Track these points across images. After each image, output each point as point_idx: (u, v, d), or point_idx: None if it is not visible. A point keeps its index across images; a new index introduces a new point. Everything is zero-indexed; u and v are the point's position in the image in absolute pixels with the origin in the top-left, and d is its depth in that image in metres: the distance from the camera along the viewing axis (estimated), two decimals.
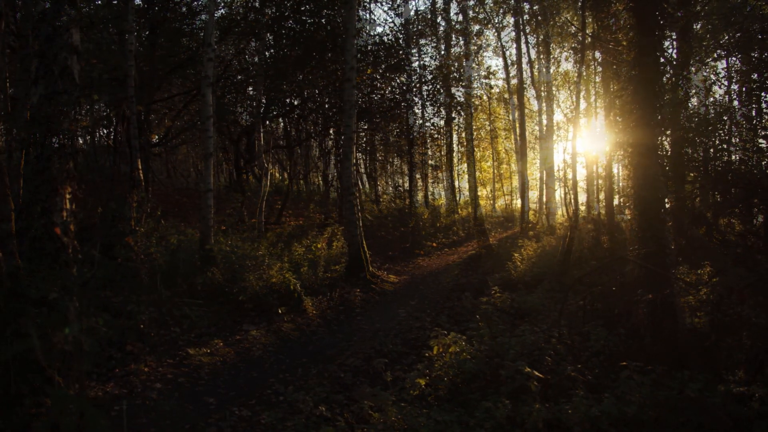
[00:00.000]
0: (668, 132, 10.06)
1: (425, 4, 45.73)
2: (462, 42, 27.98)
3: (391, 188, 33.13)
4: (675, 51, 12.52)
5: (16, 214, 2.93)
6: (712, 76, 18.34)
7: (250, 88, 19.42)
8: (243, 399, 5.78)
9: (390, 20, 36.42)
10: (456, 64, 24.22)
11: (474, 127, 19.56)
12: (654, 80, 7.28)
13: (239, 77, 19.91)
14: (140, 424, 4.99)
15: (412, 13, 24.03)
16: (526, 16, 24.59)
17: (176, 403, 5.54)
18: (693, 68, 15.65)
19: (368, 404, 5.13)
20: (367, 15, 20.60)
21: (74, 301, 2.90)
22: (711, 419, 3.52)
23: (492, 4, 28.01)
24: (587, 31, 13.36)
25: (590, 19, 15.48)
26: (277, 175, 38.14)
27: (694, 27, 14.39)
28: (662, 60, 7.71)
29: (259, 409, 5.50)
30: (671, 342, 5.58)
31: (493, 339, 6.85)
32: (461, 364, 5.96)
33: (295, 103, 19.64)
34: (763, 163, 10.67)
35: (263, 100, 15.71)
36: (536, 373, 3.81)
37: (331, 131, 24.70)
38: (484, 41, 29.41)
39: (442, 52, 25.83)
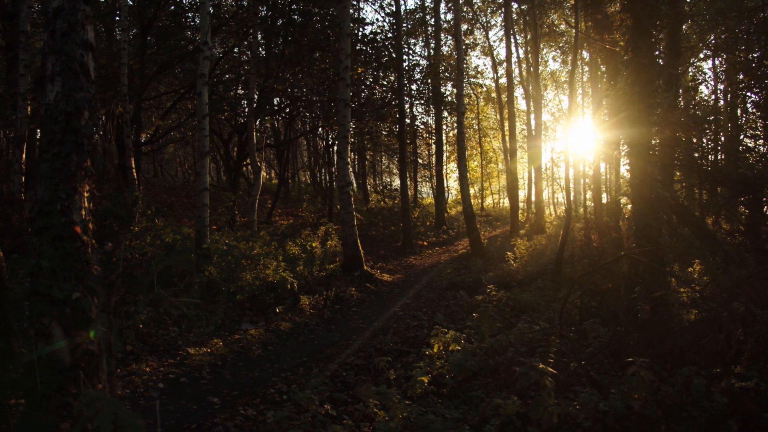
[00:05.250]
0: (656, 131, 10.20)
1: (415, 3, 45.78)
2: (451, 41, 28.13)
3: (380, 187, 33.15)
4: (661, 51, 12.71)
5: (35, 212, 2.90)
6: (698, 76, 18.62)
7: (239, 87, 19.34)
8: (247, 398, 5.76)
9: (380, 19, 36.38)
10: (444, 63, 24.33)
11: None
12: (650, 80, 7.37)
13: (227, 76, 19.82)
14: (145, 425, 4.95)
15: (402, 12, 24.07)
16: (514, 16, 24.75)
17: (180, 403, 5.50)
18: (680, 69, 15.90)
19: (373, 402, 5.14)
20: (357, 14, 20.56)
21: (95, 300, 2.88)
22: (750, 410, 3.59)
23: (480, 4, 28.16)
24: (579, 31, 13.47)
25: (580, 18, 15.61)
26: (265, 174, 37.99)
27: (683, 27, 14.60)
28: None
29: (264, 408, 5.49)
30: (670, 338, 5.67)
31: (492, 336, 6.91)
32: (463, 361, 6.01)
33: (286, 102, 19.59)
34: (749, 161, 10.86)
35: (255, 98, 15.63)
36: (550, 369, 3.86)
37: (319, 129, 24.68)
38: (471, 40, 29.55)
39: (431, 51, 25.94)
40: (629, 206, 7.54)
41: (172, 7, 17.09)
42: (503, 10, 23.92)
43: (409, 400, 5.41)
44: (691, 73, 19.03)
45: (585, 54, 22.73)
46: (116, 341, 2.84)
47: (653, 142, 11.02)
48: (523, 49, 27.72)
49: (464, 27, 27.64)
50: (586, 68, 24.64)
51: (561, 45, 27.12)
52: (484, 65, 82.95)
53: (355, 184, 33.84)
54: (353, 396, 5.90)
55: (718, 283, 6.22)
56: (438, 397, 5.65)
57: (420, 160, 31.93)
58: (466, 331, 7.24)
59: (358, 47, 18.26)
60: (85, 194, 3.03)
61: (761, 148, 12.68)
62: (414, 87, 25.35)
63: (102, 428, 2.07)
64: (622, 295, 7.02)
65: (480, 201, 38.77)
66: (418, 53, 31.51)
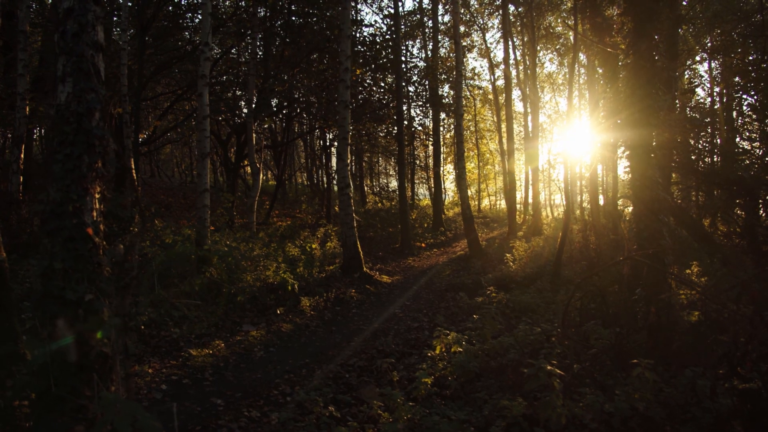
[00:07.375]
0: (656, 133, 10.24)
1: (413, 4, 45.86)
2: (448, 42, 28.18)
3: (377, 188, 33.17)
4: (659, 54, 12.76)
5: (46, 214, 2.90)
6: (695, 78, 18.73)
7: (237, 88, 19.32)
8: (251, 400, 5.75)
9: (379, 21, 36.40)
10: (442, 65, 24.39)
11: None
12: (649, 82, 7.41)
13: (225, 77, 19.80)
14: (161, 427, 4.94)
15: (400, 13, 24.10)
16: (511, 18, 24.84)
17: (184, 405, 5.49)
18: (677, 72, 15.98)
19: (377, 404, 5.15)
20: (355, 15, 20.58)
21: (106, 302, 2.87)
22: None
23: (477, 6, 28.23)
24: (577, 33, 13.52)
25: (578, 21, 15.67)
26: (262, 175, 37.98)
27: (679, 30, 14.69)
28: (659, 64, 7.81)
29: (268, 410, 5.48)
30: (672, 340, 5.68)
31: (494, 338, 6.93)
32: (465, 363, 6.02)
33: (284, 103, 19.59)
34: (746, 163, 10.92)
35: (254, 98, 15.61)
36: (558, 371, 3.87)
37: (317, 131, 24.65)
38: (468, 42, 29.61)
39: (429, 53, 25.99)
40: (629, 208, 7.57)
41: (170, 8, 17.07)
42: (500, 12, 24.00)
43: (412, 401, 5.42)
44: (687, 76, 19.15)
45: (582, 56, 22.83)
46: (130, 344, 2.84)
47: (653, 144, 11.08)
48: (520, 51, 27.79)
49: (462, 29, 27.70)
50: (583, 70, 24.74)
51: (558, 47, 27.21)
52: (481, 67, 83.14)
53: (352, 186, 33.86)
54: (357, 397, 5.89)
55: (720, 285, 6.25)
56: (441, 398, 5.65)
57: (417, 162, 31.97)
58: (468, 333, 7.25)
59: (356, 48, 18.28)
60: (97, 195, 3.03)
61: (757, 151, 12.76)
62: (412, 89, 25.39)
63: (121, 431, 2.06)
64: (625, 297, 7.05)
65: (477, 203, 38.84)
66: (416, 55, 31.58)
